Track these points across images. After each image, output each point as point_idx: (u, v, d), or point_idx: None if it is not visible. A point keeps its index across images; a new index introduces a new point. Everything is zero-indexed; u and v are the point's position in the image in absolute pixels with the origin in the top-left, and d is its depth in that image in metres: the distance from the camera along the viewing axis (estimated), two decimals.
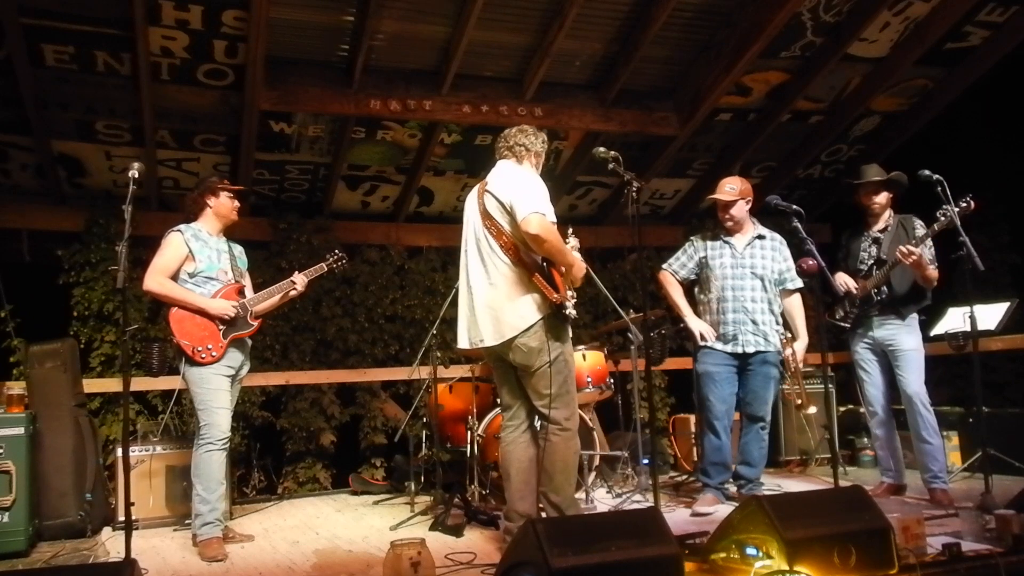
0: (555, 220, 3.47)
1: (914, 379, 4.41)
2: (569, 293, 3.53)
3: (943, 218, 4.13)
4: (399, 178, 6.14)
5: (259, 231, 5.97)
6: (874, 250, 4.60)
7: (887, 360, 4.56)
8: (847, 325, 4.67)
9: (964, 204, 4.10)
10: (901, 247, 4.27)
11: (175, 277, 3.95)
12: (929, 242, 4.34)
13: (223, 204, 4.13)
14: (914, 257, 4.23)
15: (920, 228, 4.45)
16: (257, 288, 4.30)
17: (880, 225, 4.63)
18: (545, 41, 5.16)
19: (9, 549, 3.98)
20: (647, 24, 5.14)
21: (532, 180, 3.58)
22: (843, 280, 4.58)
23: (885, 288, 4.50)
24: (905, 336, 4.47)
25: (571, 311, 3.49)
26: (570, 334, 3.60)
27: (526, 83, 5.46)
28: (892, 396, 4.62)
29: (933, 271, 4.37)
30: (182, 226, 4.04)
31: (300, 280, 4.22)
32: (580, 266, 3.64)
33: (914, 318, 4.53)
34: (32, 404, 4.43)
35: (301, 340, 5.91)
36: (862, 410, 4.83)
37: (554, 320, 3.47)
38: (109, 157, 5.41)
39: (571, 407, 3.54)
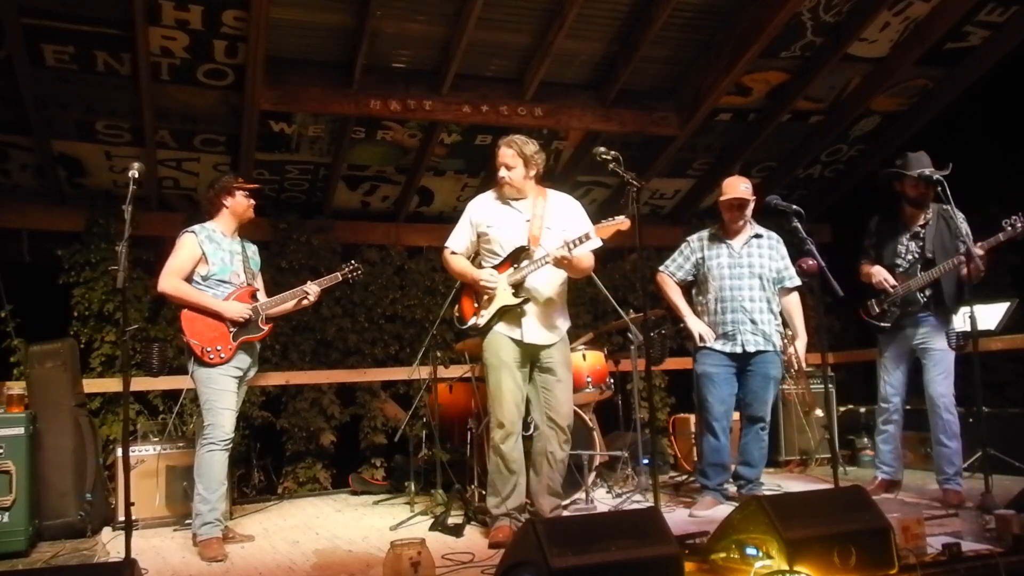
0: (462, 245, 3.94)
1: (942, 380, 4.35)
2: (485, 311, 3.81)
3: (1010, 228, 4.08)
4: (399, 178, 6.14)
5: (259, 231, 5.94)
6: (913, 246, 4.46)
7: (914, 360, 4.51)
8: (887, 325, 4.51)
9: None
10: (975, 250, 4.08)
11: (189, 278, 3.96)
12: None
13: (239, 203, 4.12)
14: (980, 271, 4.11)
15: (963, 222, 4.25)
16: (266, 287, 4.31)
17: (921, 219, 4.46)
18: (545, 41, 5.16)
19: (9, 549, 3.98)
20: (647, 24, 5.14)
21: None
22: (883, 277, 4.45)
23: (929, 288, 4.39)
24: (938, 337, 4.37)
25: (474, 323, 3.85)
26: (494, 341, 3.83)
27: (526, 83, 5.46)
28: (908, 397, 4.61)
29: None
30: (196, 227, 4.03)
31: (313, 290, 4.22)
32: (473, 278, 3.85)
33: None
34: (32, 404, 4.43)
35: (301, 340, 5.91)
36: (862, 409, 4.81)
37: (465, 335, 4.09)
38: (109, 157, 5.41)
39: (495, 414, 3.86)
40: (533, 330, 3.81)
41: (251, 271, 4.19)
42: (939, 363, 4.38)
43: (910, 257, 4.48)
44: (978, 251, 4.10)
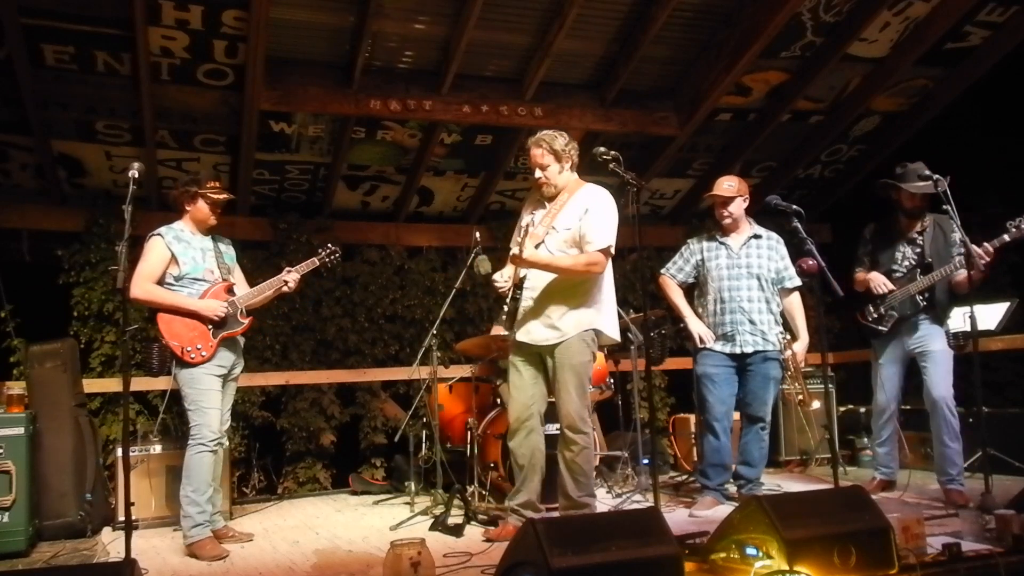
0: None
1: (942, 382, 4.37)
2: (504, 310, 3.76)
3: (1015, 229, 4.09)
4: (399, 178, 6.14)
5: (259, 231, 5.97)
6: (911, 252, 4.53)
7: (909, 364, 4.56)
8: (884, 328, 4.57)
9: None
10: (977, 247, 4.10)
11: (161, 281, 3.94)
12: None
13: (200, 210, 4.07)
14: (990, 257, 4.10)
15: (957, 231, 4.27)
16: (251, 283, 4.30)
17: (917, 227, 4.54)
18: (545, 41, 5.16)
19: (9, 549, 3.98)
20: (647, 24, 5.14)
21: None
22: (880, 282, 4.52)
23: (928, 291, 4.44)
24: (936, 338, 4.43)
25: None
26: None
27: (526, 83, 5.46)
28: (903, 398, 4.66)
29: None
30: (162, 229, 4.01)
31: (292, 277, 4.19)
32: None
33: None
34: (32, 404, 4.43)
35: (301, 340, 5.91)
36: (862, 410, 4.84)
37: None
38: (109, 157, 5.41)
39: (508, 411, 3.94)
40: (526, 330, 3.79)
41: (226, 265, 4.16)
42: (940, 364, 4.40)
43: (907, 264, 4.54)
44: (983, 250, 4.08)
